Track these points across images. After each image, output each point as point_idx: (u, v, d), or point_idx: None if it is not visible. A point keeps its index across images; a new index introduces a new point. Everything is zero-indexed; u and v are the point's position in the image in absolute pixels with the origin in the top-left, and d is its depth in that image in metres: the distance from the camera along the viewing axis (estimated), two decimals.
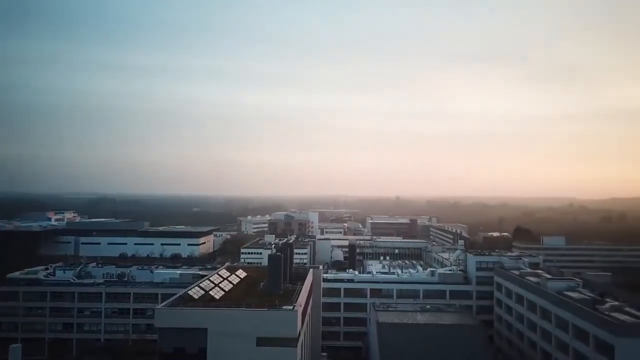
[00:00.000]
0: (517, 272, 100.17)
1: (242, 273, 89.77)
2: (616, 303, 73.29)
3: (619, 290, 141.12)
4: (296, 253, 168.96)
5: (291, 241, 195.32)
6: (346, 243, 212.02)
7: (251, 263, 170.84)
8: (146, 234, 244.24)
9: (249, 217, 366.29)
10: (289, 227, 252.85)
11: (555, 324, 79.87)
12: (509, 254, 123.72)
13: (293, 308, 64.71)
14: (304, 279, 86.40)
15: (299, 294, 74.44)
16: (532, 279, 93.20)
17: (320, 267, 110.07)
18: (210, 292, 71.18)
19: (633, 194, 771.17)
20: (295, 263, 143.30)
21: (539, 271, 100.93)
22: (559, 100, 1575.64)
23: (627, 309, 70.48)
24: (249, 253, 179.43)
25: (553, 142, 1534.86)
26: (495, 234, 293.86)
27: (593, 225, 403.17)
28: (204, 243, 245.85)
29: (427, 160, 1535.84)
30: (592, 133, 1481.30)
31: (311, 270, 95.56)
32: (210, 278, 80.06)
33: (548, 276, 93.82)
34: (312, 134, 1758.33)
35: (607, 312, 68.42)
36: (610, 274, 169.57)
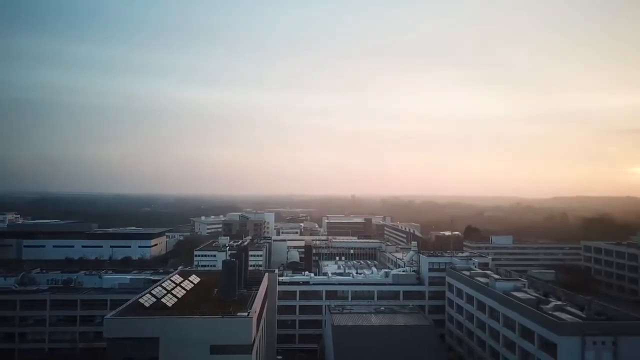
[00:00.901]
0: (467, 273, 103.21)
1: (195, 278, 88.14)
2: (559, 302, 76.87)
3: (561, 287, 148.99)
4: (251, 255, 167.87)
5: (246, 243, 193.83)
6: (302, 244, 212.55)
7: (205, 266, 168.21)
8: (94, 236, 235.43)
9: (203, 218, 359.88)
10: (244, 228, 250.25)
11: (503, 323, 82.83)
12: (460, 254, 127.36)
13: (248, 315, 64.10)
14: (259, 283, 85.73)
15: (254, 299, 73.76)
16: (481, 279, 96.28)
17: (276, 270, 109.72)
18: (162, 300, 69.39)
19: (575, 192, 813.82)
20: (251, 266, 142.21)
21: (488, 272, 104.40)
22: (507, 102, 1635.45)
23: (569, 308, 74.09)
24: (202, 255, 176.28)
25: (501, 143, 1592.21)
26: (447, 233, 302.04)
27: (538, 224, 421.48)
28: (156, 245, 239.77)
29: (382, 159, 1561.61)
30: (537, 134, 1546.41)
31: (266, 274, 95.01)
32: (163, 284, 78.15)
33: (496, 277, 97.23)
34: (265, 132, 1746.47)
35: (550, 312, 71.57)
36: (553, 271, 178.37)
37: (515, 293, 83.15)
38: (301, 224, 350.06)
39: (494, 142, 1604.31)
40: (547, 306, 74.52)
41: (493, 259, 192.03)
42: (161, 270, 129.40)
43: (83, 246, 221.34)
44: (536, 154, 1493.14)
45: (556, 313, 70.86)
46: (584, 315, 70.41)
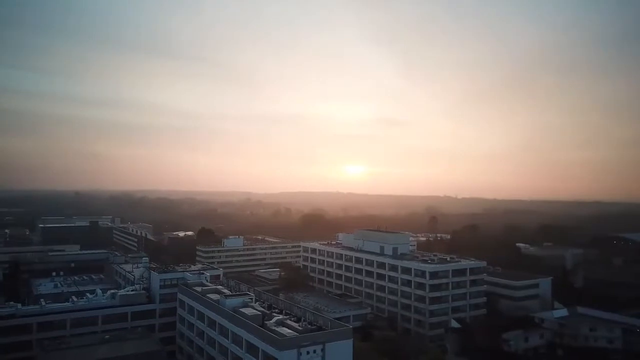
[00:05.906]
0: (199, 289, 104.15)
1: None
2: (280, 317, 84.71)
3: (284, 284, 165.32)
4: None
5: None
6: (7, 258, 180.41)
7: None
8: None
9: None
10: None
11: (231, 339, 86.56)
12: (193, 267, 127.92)
13: None
14: None
15: None
16: (212, 296, 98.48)
17: None
18: None
19: (298, 188, 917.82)
20: None
21: (219, 286, 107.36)
22: (234, 102, 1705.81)
23: (288, 321, 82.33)
24: None
25: (231, 140, 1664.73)
26: (181, 234, 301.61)
27: (266, 219, 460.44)
28: None
29: (110, 151, 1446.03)
30: (266, 133, 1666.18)
31: None
32: None
33: (227, 292, 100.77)
34: None
35: (273, 327, 78.27)
36: (278, 269, 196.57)
37: (243, 309, 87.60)
38: (6, 231, 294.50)
39: (224, 139, 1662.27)
40: (271, 321, 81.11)
41: (224, 262, 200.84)
42: None
43: None
44: (264, 152, 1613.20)
45: (278, 329, 77.78)
46: (300, 328, 79.13)
